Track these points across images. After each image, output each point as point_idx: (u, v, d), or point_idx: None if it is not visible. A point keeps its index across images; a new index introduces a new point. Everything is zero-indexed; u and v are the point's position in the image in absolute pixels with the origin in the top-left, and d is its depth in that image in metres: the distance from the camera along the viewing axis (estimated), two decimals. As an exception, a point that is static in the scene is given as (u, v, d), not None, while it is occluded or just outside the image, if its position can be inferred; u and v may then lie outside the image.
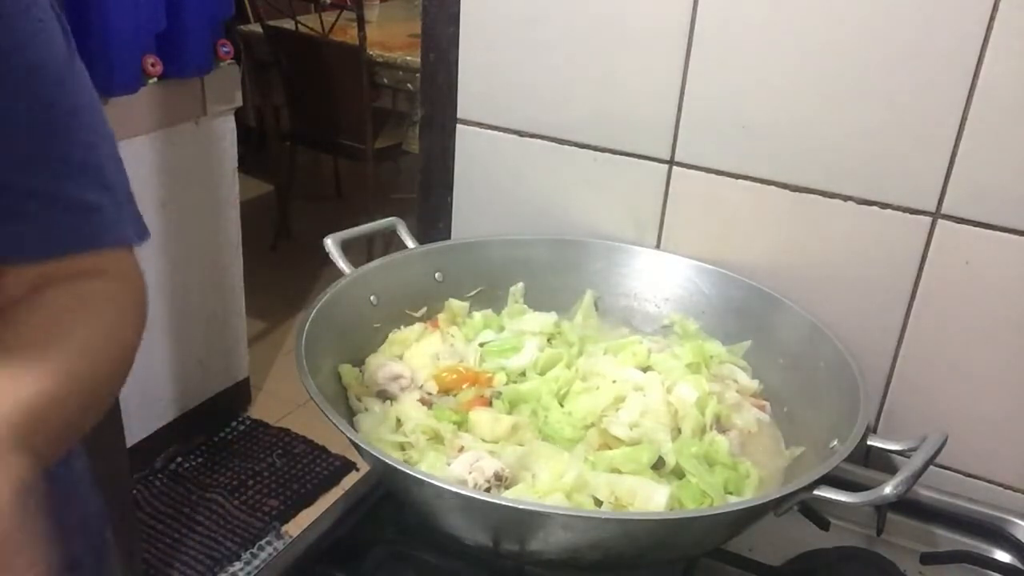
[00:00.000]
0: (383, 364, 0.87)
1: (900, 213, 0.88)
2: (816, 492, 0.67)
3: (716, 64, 0.91)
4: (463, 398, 0.84)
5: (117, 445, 1.82)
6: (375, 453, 0.67)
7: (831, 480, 0.68)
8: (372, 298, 0.92)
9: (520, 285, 1.00)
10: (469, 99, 1.05)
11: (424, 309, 0.96)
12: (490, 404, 0.83)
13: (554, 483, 0.72)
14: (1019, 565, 0.83)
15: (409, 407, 0.82)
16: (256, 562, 2.19)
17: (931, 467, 0.70)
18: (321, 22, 3.24)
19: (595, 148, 1.00)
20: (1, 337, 0.60)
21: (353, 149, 3.36)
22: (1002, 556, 0.85)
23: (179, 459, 2.51)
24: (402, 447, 0.78)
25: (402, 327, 0.93)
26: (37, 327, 0.62)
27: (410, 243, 1.00)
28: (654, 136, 0.97)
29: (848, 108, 0.87)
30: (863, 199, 0.89)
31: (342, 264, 0.91)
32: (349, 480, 2.50)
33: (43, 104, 0.62)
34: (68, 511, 0.78)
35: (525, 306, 0.99)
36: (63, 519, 0.75)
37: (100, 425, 0.67)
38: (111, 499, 0.90)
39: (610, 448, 0.78)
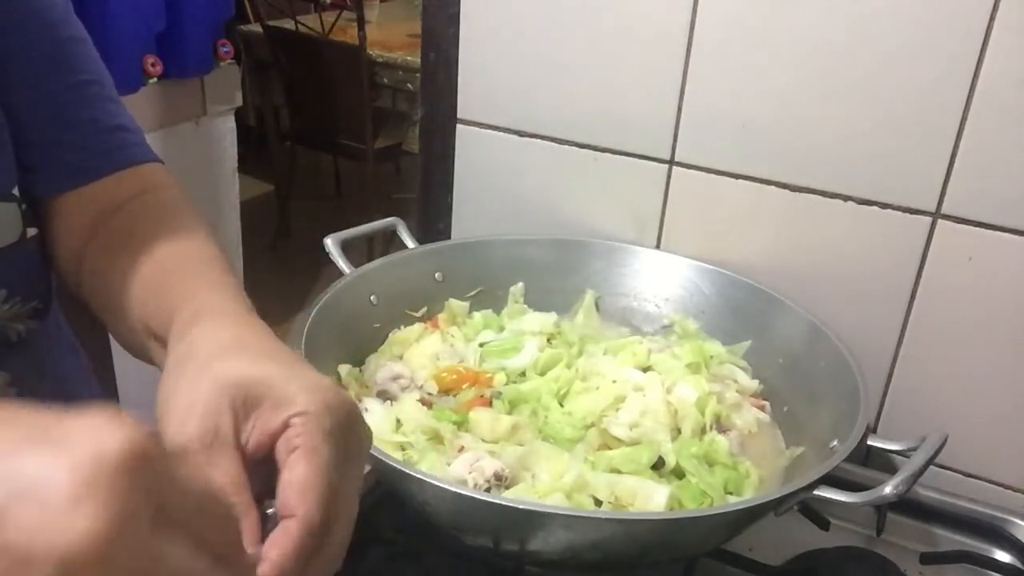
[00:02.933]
0: (383, 364, 0.87)
1: (900, 213, 0.87)
2: (816, 492, 0.67)
3: (716, 64, 0.91)
4: (463, 398, 0.84)
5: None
6: (375, 453, 0.67)
7: (831, 480, 0.67)
8: (372, 298, 0.92)
9: (520, 285, 1.00)
10: (469, 99, 1.05)
11: (424, 309, 0.96)
12: (490, 404, 0.83)
13: (554, 483, 0.72)
14: (1019, 565, 0.83)
15: (409, 407, 0.82)
16: (256, 562, 2.19)
17: (931, 467, 0.70)
18: (321, 22, 3.25)
19: (595, 148, 1.00)
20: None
21: (353, 149, 3.36)
22: (1002, 556, 0.85)
23: (179, 459, 2.50)
24: (402, 447, 0.78)
25: (402, 327, 0.93)
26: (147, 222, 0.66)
27: (410, 243, 1.00)
28: (654, 136, 0.97)
29: (848, 108, 0.87)
30: (863, 199, 0.89)
31: (342, 264, 0.91)
32: (349, 480, 2.49)
33: (58, 39, 0.67)
34: None
35: (525, 306, 0.99)
36: None
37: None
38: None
39: (610, 448, 0.78)
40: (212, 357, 0.46)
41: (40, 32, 0.65)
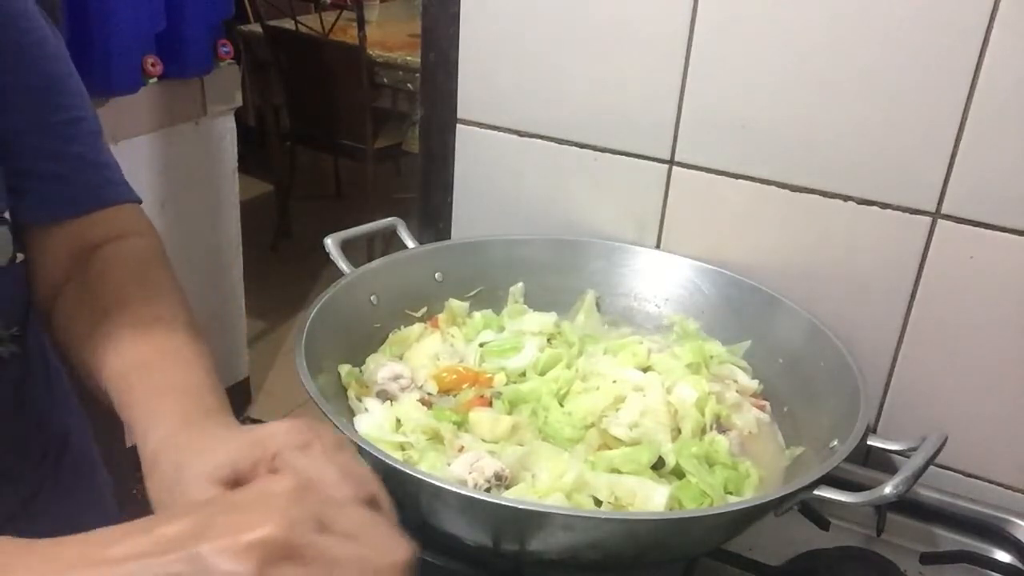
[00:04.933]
0: (383, 364, 0.87)
1: (900, 213, 0.87)
2: (816, 492, 0.67)
3: (716, 64, 0.91)
4: (463, 398, 0.84)
5: (117, 445, 1.81)
6: (375, 453, 0.67)
7: (831, 480, 0.68)
8: (372, 298, 0.92)
9: (520, 285, 1.00)
10: (469, 99, 1.05)
11: (424, 309, 0.96)
12: (490, 404, 0.83)
13: (554, 483, 0.72)
14: (1019, 565, 0.83)
15: (409, 407, 0.82)
16: (256, 562, 2.18)
17: (931, 467, 0.70)
18: (321, 22, 3.24)
19: (595, 148, 1.00)
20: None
21: (353, 149, 3.36)
22: (1002, 556, 0.85)
23: (179, 459, 2.50)
24: (402, 447, 0.78)
25: (402, 327, 0.93)
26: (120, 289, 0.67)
27: (410, 243, 1.00)
28: (654, 136, 0.97)
29: (848, 108, 0.87)
30: (863, 199, 0.89)
31: (342, 264, 0.91)
32: (349, 480, 2.49)
33: (51, 75, 0.67)
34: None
35: (525, 306, 0.99)
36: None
37: (101, 424, 0.69)
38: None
39: (610, 448, 0.78)
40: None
41: (33, 67, 0.65)
